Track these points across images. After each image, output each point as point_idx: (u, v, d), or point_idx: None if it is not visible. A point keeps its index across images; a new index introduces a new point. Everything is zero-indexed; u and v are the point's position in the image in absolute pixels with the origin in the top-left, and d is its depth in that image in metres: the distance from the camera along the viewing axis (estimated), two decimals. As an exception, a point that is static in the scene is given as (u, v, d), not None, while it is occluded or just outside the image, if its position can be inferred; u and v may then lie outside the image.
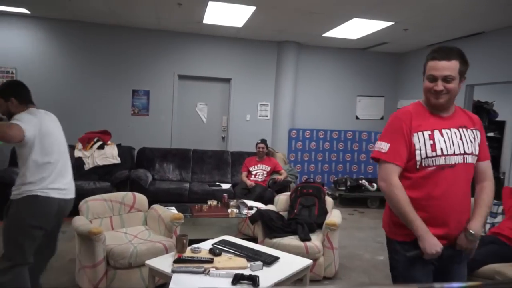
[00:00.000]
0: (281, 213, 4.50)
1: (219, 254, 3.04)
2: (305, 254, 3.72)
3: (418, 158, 2.01)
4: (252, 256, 3.02)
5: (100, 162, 6.13)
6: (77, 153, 6.18)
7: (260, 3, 5.26)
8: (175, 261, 2.87)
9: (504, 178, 5.78)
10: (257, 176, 6.16)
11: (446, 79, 1.97)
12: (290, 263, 3.04)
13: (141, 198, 4.16)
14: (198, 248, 3.14)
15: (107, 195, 4.01)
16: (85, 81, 7.06)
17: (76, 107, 7.02)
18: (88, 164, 6.11)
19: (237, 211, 4.78)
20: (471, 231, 1.99)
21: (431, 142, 2.00)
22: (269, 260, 2.97)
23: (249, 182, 5.99)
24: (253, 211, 4.53)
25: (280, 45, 7.70)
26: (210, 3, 5.36)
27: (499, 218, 4.42)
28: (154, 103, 7.38)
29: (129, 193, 4.15)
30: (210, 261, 2.90)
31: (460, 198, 2.06)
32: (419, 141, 2.01)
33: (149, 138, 7.26)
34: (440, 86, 1.98)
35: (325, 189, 5.20)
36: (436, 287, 0.74)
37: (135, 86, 7.28)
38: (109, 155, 6.21)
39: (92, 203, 3.80)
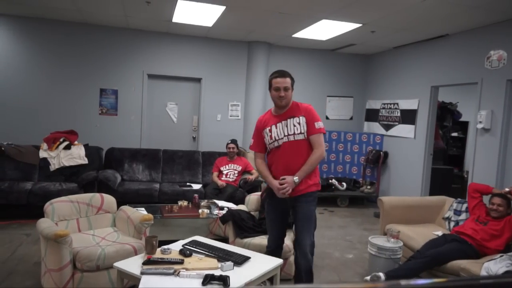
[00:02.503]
0: (252, 213, 4.50)
1: (189, 255, 3.02)
2: (276, 253, 3.74)
3: (266, 144, 3.34)
4: (223, 256, 3.01)
5: (67, 162, 5.98)
6: (42, 154, 6.01)
7: (230, 3, 5.25)
8: (145, 263, 2.84)
9: (468, 177, 5.96)
10: (228, 176, 6.15)
11: (286, 89, 3.20)
12: (261, 263, 3.05)
13: (110, 199, 4.08)
14: (168, 249, 3.11)
15: (74, 197, 3.92)
16: (51, 80, 6.86)
17: (41, 107, 6.81)
18: (54, 165, 5.95)
19: (208, 211, 4.76)
20: (294, 177, 3.15)
21: (270, 134, 3.28)
22: (240, 260, 2.97)
23: (220, 182, 5.97)
24: (224, 211, 4.52)
25: (251, 45, 7.70)
26: (179, 2, 5.31)
27: (463, 216, 4.56)
28: (123, 103, 7.25)
29: (97, 194, 4.06)
30: (181, 262, 2.87)
31: (286, 163, 3.21)
32: (265, 135, 3.31)
33: (118, 138, 7.13)
34: (282, 93, 3.19)
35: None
36: (402, 284, 0.75)
37: (103, 85, 7.13)
38: (76, 155, 6.07)
39: (58, 204, 3.70)
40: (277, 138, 3.23)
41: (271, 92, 3.25)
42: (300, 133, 3.18)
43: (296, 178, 3.13)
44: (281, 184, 3.15)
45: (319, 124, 3.21)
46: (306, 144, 3.20)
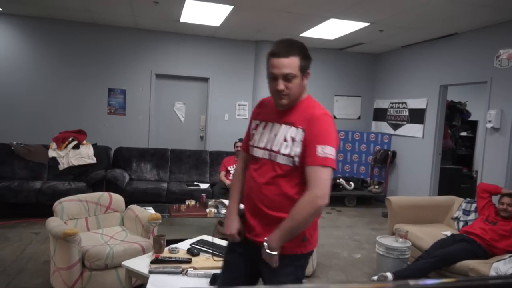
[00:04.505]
0: (259, 212, 4.49)
1: (197, 254, 3.03)
2: (283, 253, 3.73)
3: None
4: (230, 255, 3.01)
5: (75, 162, 6.02)
6: (52, 153, 6.06)
7: (238, 3, 5.26)
8: (153, 262, 2.85)
9: (477, 177, 5.92)
10: (235, 176, 6.14)
11: (287, 77, 1.85)
12: (268, 262, 3.04)
13: (118, 199, 4.10)
14: (176, 248, 3.12)
15: (83, 196, 3.95)
16: (60, 80, 6.91)
17: (50, 106, 6.87)
18: (63, 164, 6.00)
19: (216, 210, 4.76)
20: (264, 243, 1.84)
21: (254, 131, 2.04)
22: (247, 260, 2.96)
23: (227, 182, 5.97)
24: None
25: (258, 45, 7.70)
26: (187, 1, 5.32)
27: (472, 216, 4.53)
28: (131, 102, 7.28)
29: (105, 194, 4.09)
30: (188, 261, 2.88)
31: (260, 198, 1.93)
32: (252, 129, 2.07)
33: (126, 138, 7.16)
34: (281, 85, 1.86)
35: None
36: (411, 284, 0.75)
37: (111, 85, 7.17)
38: (85, 155, 6.11)
39: (67, 203, 3.73)
40: (256, 145, 1.99)
41: (268, 81, 1.94)
42: (287, 155, 1.86)
43: (265, 245, 1.83)
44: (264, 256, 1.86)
45: (326, 150, 1.78)
46: (294, 176, 1.87)
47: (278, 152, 1.88)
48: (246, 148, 2.09)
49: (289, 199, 1.85)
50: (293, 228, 1.81)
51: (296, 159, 1.84)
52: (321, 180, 1.78)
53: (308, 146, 1.81)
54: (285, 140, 1.87)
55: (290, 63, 1.84)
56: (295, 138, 1.85)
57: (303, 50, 1.90)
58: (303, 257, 1.97)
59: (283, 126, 1.90)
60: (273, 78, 1.88)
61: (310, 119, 1.85)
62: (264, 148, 1.93)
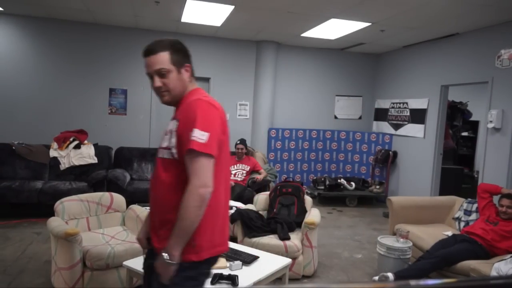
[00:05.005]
0: (260, 212, 4.51)
1: (198, 254, 3.02)
2: (284, 253, 3.74)
3: None
4: (231, 255, 3.01)
5: (77, 162, 6.02)
6: (53, 153, 6.06)
7: (239, 3, 5.25)
8: (154, 262, 2.85)
9: (478, 177, 5.91)
10: (236, 176, 6.15)
11: (161, 73, 1.84)
12: (269, 262, 3.05)
13: (119, 199, 4.11)
14: (177, 248, 3.11)
15: (84, 196, 3.95)
16: (61, 80, 6.92)
17: (51, 106, 6.87)
18: (64, 164, 6.00)
19: (216, 210, 4.75)
20: (163, 253, 1.67)
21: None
22: (248, 260, 2.97)
23: (228, 182, 5.97)
24: (232, 211, 4.53)
25: (259, 45, 7.70)
26: (188, 1, 5.32)
27: (473, 216, 4.53)
28: (132, 102, 7.28)
29: (106, 193, 4.09)
30: (189, 261, 2.88)
31: (152, 198, 1.88)
32: None
33: (127, 138, 7.16)
34: (157, 82, 1.84)
35: (304, 188, 5.24)
36: (412, 284, 0.75)
37: (112, 85, 7.17)
38: (86, 154, 6.11)
39: (68, 203, 3.73)
40: (159, 145, 1.91)
41: None
42: (166, 148, 1.80)
43: (165, 255, 1.67)
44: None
45: (198, 135, 1.67)
46: (175, 171, 1.76)
47: (160, 147, 1.85)
48: None
49: (175, 194, 1.71)
50: (185, 228, 1.65)
51: (174, 150, 1.75)
52: (196, 168, 1.66)
53: (181, 135, 1.73)
54: (166, 134, 1.84)
55: (159, 59, 1.83)
56: (172, 130, 1.79)
57: (174, 44, 1.89)
58: (195, 267, 1.73)
59: (171, 121, 1.85)
60: (150, 78, 1.88)
61: (183, 109, 1.80)
62: (160, 148, 1.87)
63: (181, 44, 1.93)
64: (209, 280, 2.61)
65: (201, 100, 1.77)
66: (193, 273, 1.73)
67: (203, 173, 1.66)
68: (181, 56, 1.89)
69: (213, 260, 1.80)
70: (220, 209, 1.80)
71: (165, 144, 1.80)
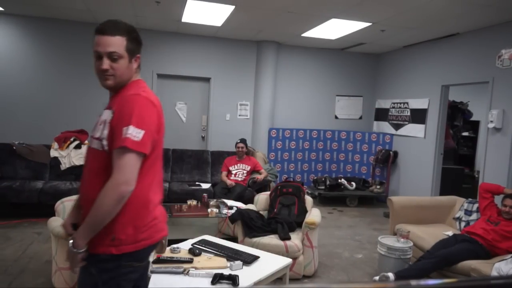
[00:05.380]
0: (261, 212, 4.51)
1: (198, 254, 3.03)
2: (285, 253, 3.74)
3: None
4: (232, 255, 3.01)
5: (77, 162, 6.02)
6: (53, 153, 6.06)
7: (239, 3, 5.26)
8: (154, 262, 2.85)
9: (479, 177, 5.91)
10: (237, 176, 6.15)
11: (112, 57, 1.77)
12: (270, 262, 3.05)
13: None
14: (178, 248, 3.12)
15: (84, 196, 3.94)
16: (62, 80, 6.92)
17: (52, 106, 6.88)
18: (65, 164, 6.00)
19: (217, 210, 4.76)
20: (70, 239, 1.68)
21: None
22: (249, 260, 2.97)
23: (229, 182, 5.98)
24: (233, 211, 4.53)
25: (260, 45, 7.70)
26: (188, 1, 5.33)
27: (474, 216, 4.52)
28: (133, 102, 7.28)
29: (107, 194, 4.08)
30: (190, 261, 2.88)
31: (81, 188, 1.83)
32: None
33: (128, 138, 7.16)
34: (105, 64, 1.77)
35: (305, 188, 5.23)
36: (412, 284, 0.75)
37: (113, 85, 7.17)
38: (86, 155, 6.11)
39: (68, 203, 3.73)
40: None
41: (94, 60, 1.86)
42: (97, 138, 1.76)
43: (70, 242, 1.70)
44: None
45: (128, 131, 1.65)
46: (104, 163, 1.72)
47: (92, 137, 1.79)
48: None
49: (101, 185, 1.67)
50: (97, 220, 1.64)
51: (104, 142, 1.71)
52: (122, 165, 1.63)
53: (114, 128, 1.69)
54: (100, 124, 1.78)
55: (115, 42, 1.77)
56: (106, 120, 1.74)
57: (132, 32, 1.85)
58: (114, 259, 1.70)
59: (106, 110, 1.80)
60: (97, 57, 1.80)
61: (120, 101, 1.75)
62: (92, 137, 1.81)
63: (137, 32, 1.89)
64: (210, 280, 2.62)
65: (140, 96, 1.73)
66: (111, 266, 1.71)
67: (128, 170, 1.64)
68: (136, 45, 1.86)
69: (138, 254, 1.76)
70: (151, 206, 1.79)
71: (97, 135, 1.76)
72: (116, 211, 1.65)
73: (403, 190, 7.33)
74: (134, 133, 1.64)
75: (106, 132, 1.71)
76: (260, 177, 6.12)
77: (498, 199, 4.22)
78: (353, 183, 7.54)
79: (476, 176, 8.18)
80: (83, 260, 1.68)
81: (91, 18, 6.64)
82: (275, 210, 4.54)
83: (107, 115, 1.75)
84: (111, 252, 1.69)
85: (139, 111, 1.68)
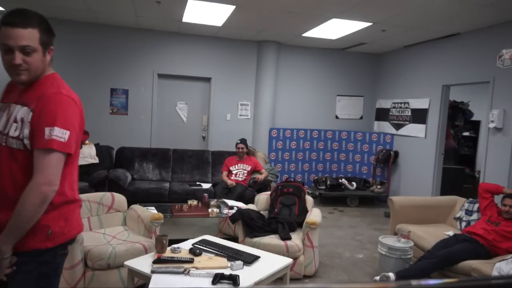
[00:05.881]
0: (261, 212, 4.51)
1: (199, 254, 3.03)
2: (286, 253, 3.74)
3: None
4: (232, 255, 3.01)
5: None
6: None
7: (240, 3, 5.26)
8: (155, 262, 2.85)
9: (479, 177, 5.91)
10: (237, 176, 6.16)
11: (25, 51, 1.65)
12: (270, 262, 3.05)
13: (120, 198, 4.11)
14: (178, 248, 3.12)
15: (85, 196, 3.94)
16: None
17: (52, 106, 6.88)
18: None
19: (218, 210, 4.77)
20: None
21: None
22: (249, 260, 2.97)
23: (229, 182, 5.98)
24: (233, 211, 4.53)
25: (260, 45, 7.70)
26: (189, 1, 5.33)
27: (474, 216, 4.52)
28: (133, 102, 7.29)
29: (108, 193, 4.09)
30: (190, 261, 2.89)
31: None
32: None
33: (129, 138, 7.17)
34: (18, 59, 1.64)
35: (305, 188, 5.23)
36: (413, 284, 0.75)
37: (114, 85, 7.18)
38: (87, 154, 6.12)
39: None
40: None
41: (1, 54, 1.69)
42: (17, 138, 1.67)
43: None
44: None
45: (53, 132, 1.63)
46: (24, 162, 1.67)
47: (7, 135, 1.68)
48: None
49: (23, 188, 1.62)
50: (20, 224, 1.60)
51: (26, 141, 1.66)
52: (44, 165, 1.61)
53: (35, 128, 1.64)
54: (16, 122, 1.68)
55: (27, 35, 1.65)
56: (23, 119, 1.67)
57: (44, 23, 1.76)
58: (48, 252, 1.74)
59: (17, 106, 1.71)
60: (7, 51, 1.65)
61: (40, 99, 1.67)
62: (1, 133, 1.70)
63: (48, 23, 1.79)
64: (210, 280, 2.62)
65: (62, 95, 1.71)
66: (48, 258, 1.76)
67: (51, 171, 1.63)
68: (49, 37, 1.77)
69: (67, 244, 1.84)
70: (75, 201, 1.86)
71: (15, 134, 1.67)
72: (41, 213, 1.64)
73: (403, 190, 7.33)
74: (59, 134, 1.63)
75: (27, 131, 1.66)
76: (260, 177, 6.13)
77: (498, 199, 4.22)
78: (354, 183, 7.54)
79: (477, 176, 8.18)
80: (13, 265, 1.65)
81: (92, 18, 6.65)
82: (276, 210, 4.54)
83: (24, 113, 1.68)
84: (47, 246, 1.72)
85: (62, 111, 1.67)
